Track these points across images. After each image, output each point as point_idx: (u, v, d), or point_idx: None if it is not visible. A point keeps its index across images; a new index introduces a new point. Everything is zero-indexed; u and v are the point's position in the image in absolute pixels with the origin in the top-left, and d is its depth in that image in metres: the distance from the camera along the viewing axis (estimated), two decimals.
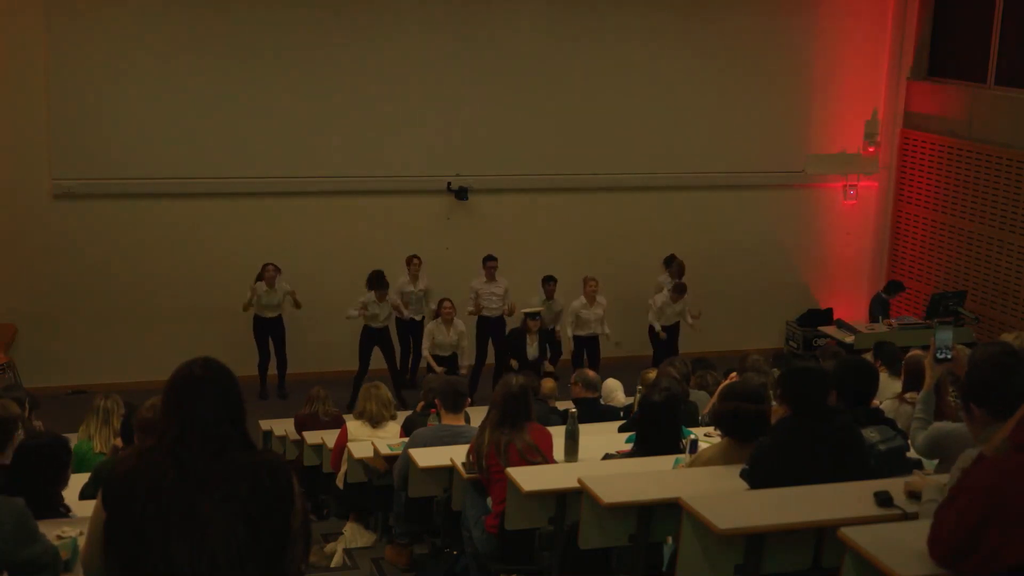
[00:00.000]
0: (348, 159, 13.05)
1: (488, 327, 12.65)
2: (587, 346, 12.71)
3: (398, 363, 12.68)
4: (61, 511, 4.64)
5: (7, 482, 4.48)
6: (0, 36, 11.93)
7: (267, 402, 12.34)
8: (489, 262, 12.58)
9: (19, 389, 7.96)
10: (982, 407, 4.10)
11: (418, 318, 12.64)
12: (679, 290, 12.87)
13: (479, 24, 13.22)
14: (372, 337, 12.35)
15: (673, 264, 13.20)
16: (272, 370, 12.69)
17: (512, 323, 12.59)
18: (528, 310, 12.14)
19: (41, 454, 4.65)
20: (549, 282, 12.75)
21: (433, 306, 12.39)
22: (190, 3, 12.44)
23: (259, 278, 12.20)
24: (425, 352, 12.14)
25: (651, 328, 12.95)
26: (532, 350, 12.03)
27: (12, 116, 12.11)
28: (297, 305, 12.31)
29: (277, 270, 12.23)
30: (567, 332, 12.66)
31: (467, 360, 12.33)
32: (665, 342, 12.88)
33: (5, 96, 12.05)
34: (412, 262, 12.56)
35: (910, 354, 7.18)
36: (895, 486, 4.45)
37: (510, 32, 13.32)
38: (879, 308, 13.37)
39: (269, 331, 12.50)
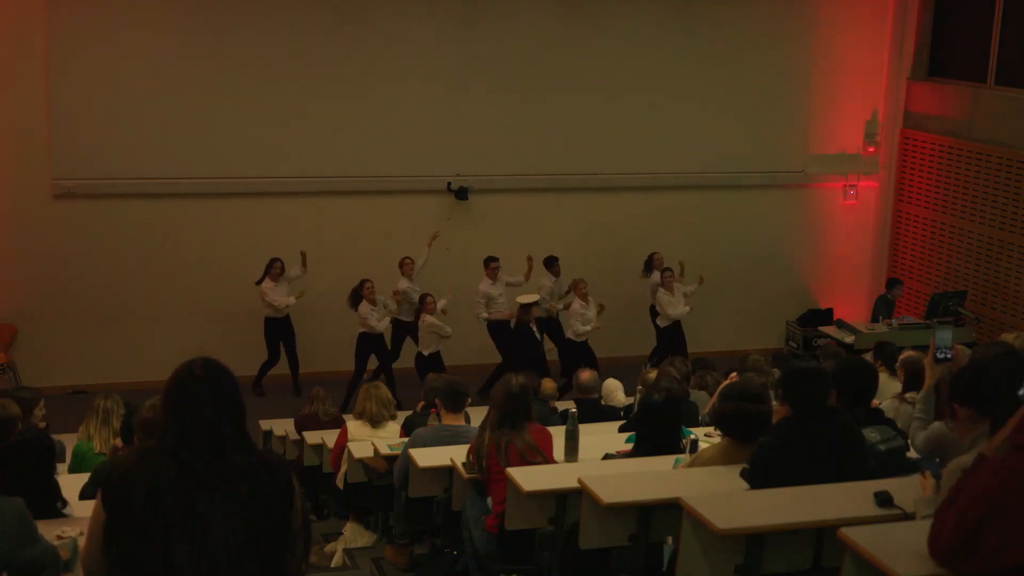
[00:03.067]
0: (348, 159, 13.03)
1: (495, 329, 12.50)
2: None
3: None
4: (58, 506, 4.63)
5: (3, 482, 4.47)
6: (1, 36, 11.93)
7: (262, 400, 12.30)
8: (492, 263, 12.51)
9: (29, 390, 7.92)
10: (967, 407, 4.10)
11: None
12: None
13: (480, 24, 13.22)
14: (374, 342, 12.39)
15: (555, 265, 12.91)
16: (275, 370, 12.69)
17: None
18: (524, 300, 12.00)
19: (25, 449, 4.63)
20: (554, 263, 12.76)
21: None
22: (190, 4, 12.43)
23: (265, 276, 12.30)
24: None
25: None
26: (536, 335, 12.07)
27: (12, 116, 12.10)
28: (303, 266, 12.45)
29: (283, 267, 12.37)
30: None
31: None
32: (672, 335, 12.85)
33: (5, 96, 12.04)
34: (405, 262, 12.52)
35: (905, 355, 7.20)
36: (895, 486, 4.45)
37: (511, 32, 13.32)
38: (883, 308, 13.36)
39: (281, 332, 12.53)
